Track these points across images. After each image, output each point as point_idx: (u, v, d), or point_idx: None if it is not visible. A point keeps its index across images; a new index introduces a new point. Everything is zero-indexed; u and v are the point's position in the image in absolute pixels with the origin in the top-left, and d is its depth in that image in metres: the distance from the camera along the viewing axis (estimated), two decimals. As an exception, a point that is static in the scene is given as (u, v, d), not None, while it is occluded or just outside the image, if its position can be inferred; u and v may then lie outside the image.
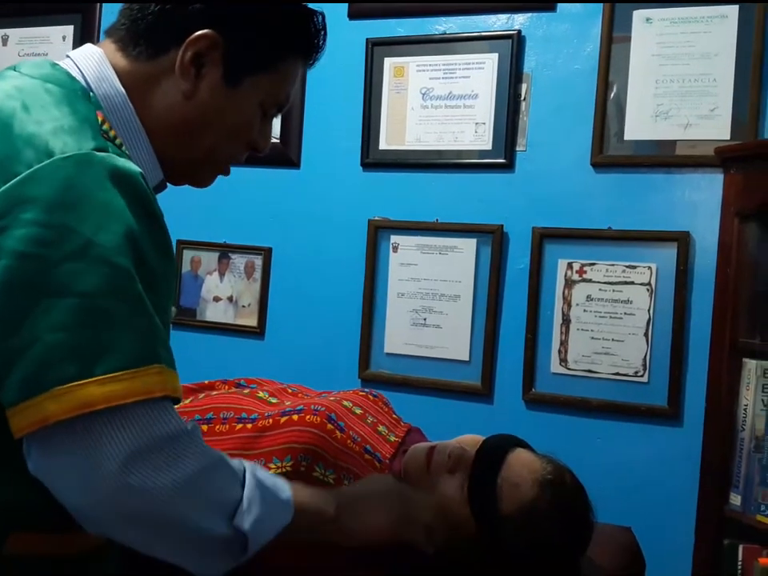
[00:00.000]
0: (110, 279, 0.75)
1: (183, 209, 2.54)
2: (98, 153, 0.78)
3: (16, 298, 0.74)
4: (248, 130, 0.96)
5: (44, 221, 0.74)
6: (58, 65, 0.90)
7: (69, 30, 2.77)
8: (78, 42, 2.74)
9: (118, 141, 0.86)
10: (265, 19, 0.92)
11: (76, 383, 0.73)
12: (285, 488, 0.90)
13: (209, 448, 0.84)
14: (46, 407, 0.73)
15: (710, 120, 2.05)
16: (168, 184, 1.01)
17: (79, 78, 0.88)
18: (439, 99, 2.33)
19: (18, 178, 0.75)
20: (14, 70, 0.88)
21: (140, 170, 0.82)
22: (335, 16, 2.04)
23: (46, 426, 0.73)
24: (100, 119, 0.84)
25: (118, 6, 0.95)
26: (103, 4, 2.72)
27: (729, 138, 2.02)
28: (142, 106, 0.90)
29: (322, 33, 0.99)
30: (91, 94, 0.88)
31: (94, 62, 0.90)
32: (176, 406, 1.21)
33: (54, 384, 0.73)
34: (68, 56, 0.92)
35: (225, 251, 2.58)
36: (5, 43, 2.87)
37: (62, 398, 0.73)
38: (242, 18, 0.91)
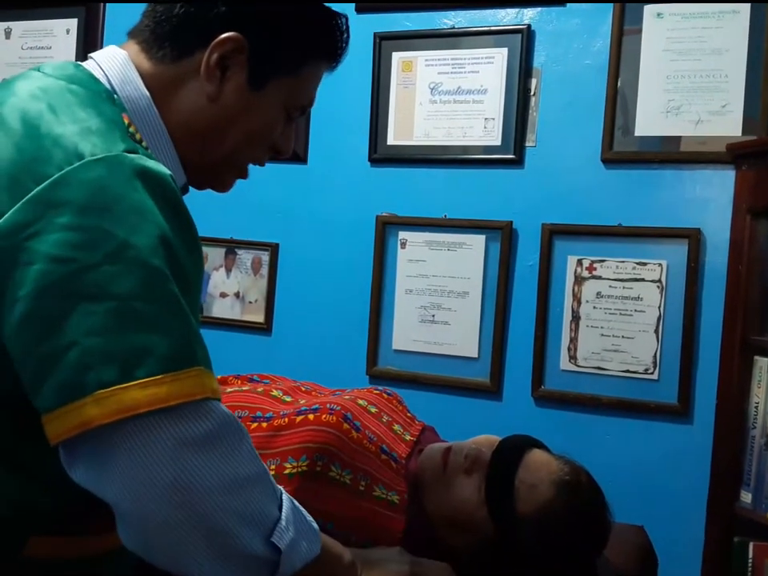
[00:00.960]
0: (147, 281, 0.74)
1: (189, 204, 2.52)
2: (128, 154, 0.78)
3: (51, 303, 0.73)
4: (271, 132, 0.96)
5: (78, 224, 0.73)
6: (81, 66, 0.89)
7: (73, 24, 2.75)
8: (82, 35, 2.73)
9: (143, 144, 0.85)
10: (290, 22, 0.91)
11: (118, 387, 0.72)
12: (313, 520, 0.89)
13: (256, 455, 0.82)
14: (87, 411, 0.71)
15: (722, 116, 2.04)
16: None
17: (103, 80, 0.88)
18: (448, 94, 2.31)
19: (50, 180, 0.74)
20: (38, 71, 0.87)
21: (169, 171, 0.81)
22: (342, 10, 2.03)
23: (87, 431, 0.72)
24: (126, 121, 0.84)
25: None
26: (108, -3, 2.70)
27: (740, 134, 2.01)
28: (165, 109, 0.90)
29: (346, 35, 0.99)
30: (115, 96, 0.87)
31: (118, 64, 0.89)
32: None
33: (95, 388, 0.72)
34: (91, 57, 0.91)
35: (231, 247, 2.57)
36: (8, 36, 2.85)
37: (104, 402, 0.71)
38: (267, 20, 0.90)
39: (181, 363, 0.75)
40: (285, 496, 0.85)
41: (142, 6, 0.95)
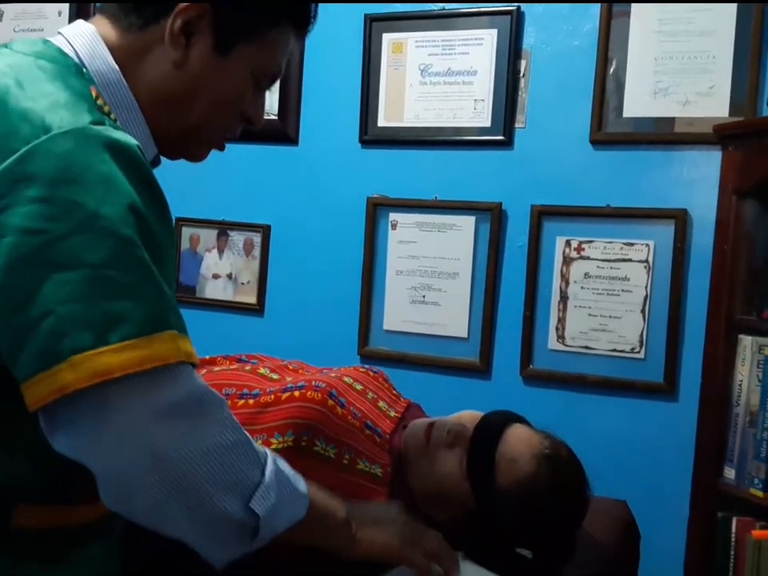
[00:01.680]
0: (118, 249, 0.76)
1: (182, 186, 2.53)
2: (95, 126, 0.79)
3: (24, 274, 0.74)
4: (239, 99, 0.96)
5: (47, 196, 0.75)
6: (50, 41, 0.90)
7: (65, 7, 2.75)
8: (74, 17, 2.72)
9: (112, 116, 0.86)
10: None
11: (92, 352, 0.74)
12: (302, 482, 0.90)
13: (236, 422, 0.84)
14: (63, 377, 0.73)
15: (709, 97, 2.05)
16: (163, 159, 1.01)
17: (72, 54, 0.89)
18: (438, 76, 2.32)
19: (17, 154, 0.75)
20: (6, 48, 0.88)
21: (137, 142, 0.82)
22: (334, -8, 2.04)
23: (65, 396, 0.74)
24: (94, 94, 0.84)
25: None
26: (99, -21, 2.69)
27: (727, 115, 2.02)
28: (133, 79, 0.91)
29: (313, 2, 0.98)
30: (84, 69, 0.88)
31: (87, 39, 0.90)
32: None
33: (70, 353, 0.73)
34: (60, 33, 0.92)
35: (223, 228, 2.59)
36: (0, 19, 2.85)
37: (79, 367, 0.73)
38: None
39: (154, 327, 0.77)
40: (270, 460, 0.86)
41: None
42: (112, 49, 0.90)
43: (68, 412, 0.75)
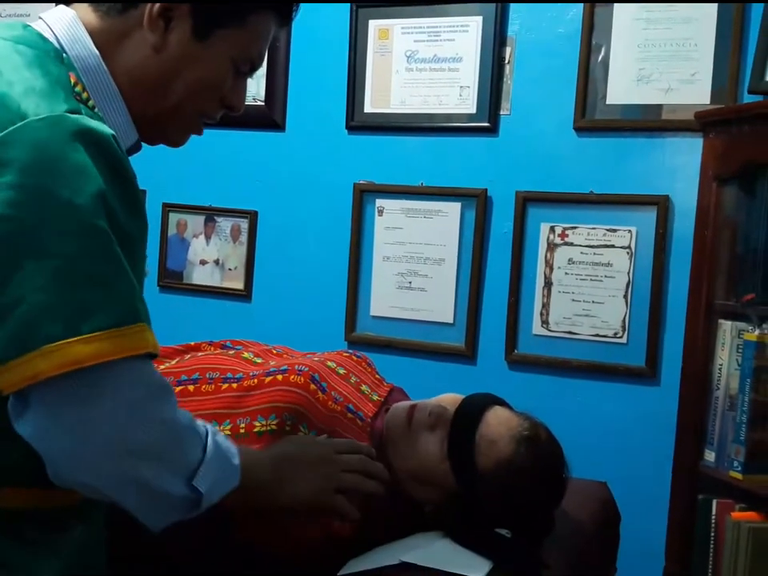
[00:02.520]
0: (90, 241, 0.78)
1: (169, 172, 2.55)
2: (70, 115, 0.79)
3: (1, 259, 0.76)
4: (219, 85, 0.96)
5: (20, 183, 0.76)
6: (30, 26, 0.90)
7: (50, 8, 2.73)
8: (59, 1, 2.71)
9: (90, 103, 0.86)
10: None
11: (64, 341, 0.76)
12: (235, 454, 0.95)
13: (181, 410, 0.88)
14: (36, 365, 0.75)
15: (691, 85, 2.07)
16: (145, 145, 1.01)
17: (52, 39, 0.89)
18: (424, 62, 2.33)
19: None
20: None
21: (112, 131, 0.83)
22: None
23: (36, 383, 0.76)
24: (72, 81, 0.85)
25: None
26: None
27: (709, 102, 2.04)
28: (113, 63, 0.91)
29: None
30: (64, 55, 0.88)
31: (67, 24, 0.90)
32: (162, 368, 1.25)
33: (42, 342, 0.75)
34: (40, 18, 0.92)
35: (210, 215, 2.60)
36: (-15, 4, 2.83)
37: (52, 356, 0.75)
38: None
39: (125, 320, 0.79)
40: (210, 438, 0.91)
41: None
42: (92, 33, 0.91)
43: (39, 397, 0.77)
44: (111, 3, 0.91)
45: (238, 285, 2.57)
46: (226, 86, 0.97)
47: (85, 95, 0.86)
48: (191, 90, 0.94)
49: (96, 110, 0.87)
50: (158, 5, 0.89)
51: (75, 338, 0.76)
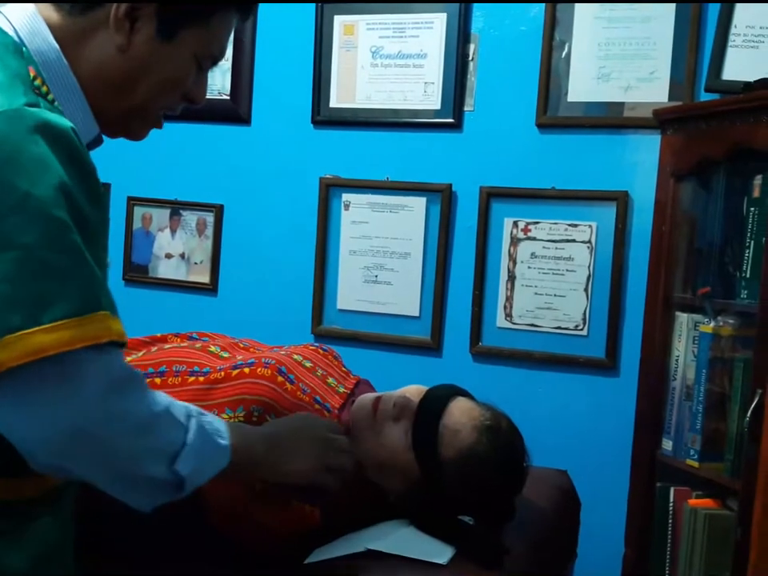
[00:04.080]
0: (50, 231, 0.78)
1: (134, 166, 2.54)
2: (29, 108, 0.80)
3: None
4: (183, 82, 0.97)
5: None
6: None
7: None
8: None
9: (50, 96, 0.86)
10: None
11: (24, 332, 0.76)
12: (225, 434, 0.95)
13: (157, 394, 0.89)
14: None
15: (650, 83, 2.12)
16: (110, 139, 1.01)
17: (11, 32, 0.88)
18: (389, 58, 2.35)
19: None
20: None
21: (71, 124, 0.83)
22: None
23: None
24: (32, 75, 0.85)
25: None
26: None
27: (667, 100, 2.09)
28: (75, 60, 0.91)
29: None
30: (24, 48, 0.88)
31: (26, 17, 0.90)
32: (129, 360, 1.25)
33: (3, 333, 0.76)
34: None
35: (176, 208, 2.59)
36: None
37: (12, 346, 0.76)
38: None
39: (85, 308, 0.79)
40: (194, 421, 0.91)
41: None
42: (53, 29, 0.90)
43: (2, 388, 0.78)
44: (74, 2, 0.90)
45: (204, 279, 2.57)
46: (190, 81, 0.97)
47: (44, 89, 0.86)
48: (156, 88, 0.95)
49: (56, 103, 0.87)
50: (123, 5, 0.89)
51: (36, 328, 0.76)
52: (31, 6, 0.91)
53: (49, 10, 0.91)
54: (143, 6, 0.90)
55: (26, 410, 0.79)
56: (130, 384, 0.86)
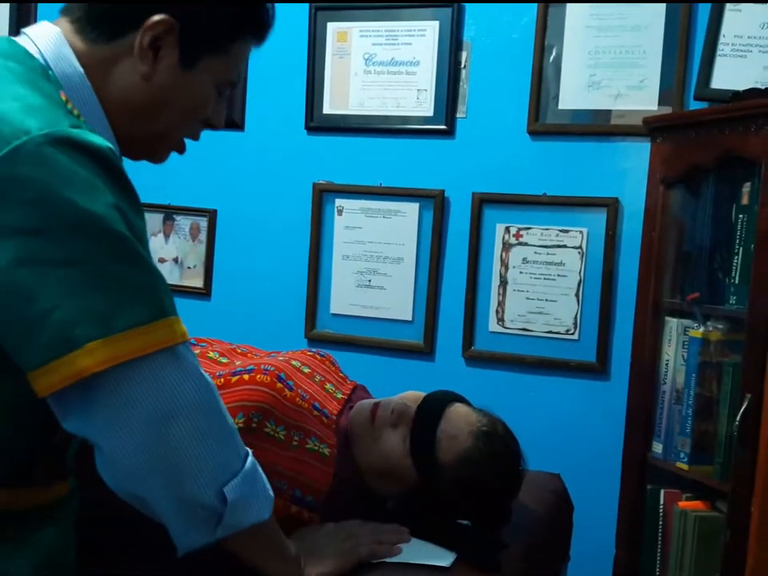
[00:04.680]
0: (113, 245, 0.81)
1: (128, 170, 2.53)
2: (73, 129, 0.82)
3: (29, 272, 0.78)
4: (204, 108, 0.99)
5: (38, 197, 0.78)
6: (15, 41, 0.91)
7: (4, 8, 2.70)
8: (15, 7, 2.68)
9: (81, 119, 0.88)
10: (219, 2, 0.95)
11: (104, 339, 0.79)
12: (271, 490, 0.96)
13: (227, 413, 0.91)
14: (80, 362, 0.79)
15: (640, 91, 2.15)
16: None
17: (37, 55, 0.90)
18: (382, 65, 2.37)
19: (0, 155, 0.78)
20: None
21: (110, 144, 0.85)
22: (279, -19, 2.05)
23: (81, 380, 0.79)
24: (64, 98, 0.87)
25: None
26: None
27: (656, 108, 2.12)
28: (99, 86, 0.92)
29: (272, 13, 1.02)
30: (50, 72, 0.89)
31: (52, 41, 0.91)
32: None
33: (85, 341, 0.79)
34: (24, 32, 0.93)
35: (169, 213, 2.60)
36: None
37: (95, 353, 0.79)
38: (197, 2, 0.93)
39: (156, 315, 0.83)
40: (251, 458, 0.93)
41: None
42: (77, 53, 0.92)
43: (83, 395, 0.81)
44: (99, 32, 0.92)
45: (198, 283, 2.58)
46: (210, 107, 1.00)
47: (76, 112, 0.88)
48: (179, 115, 0.97)
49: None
50: (147, 36, 0.91)
51: (114, 335, 0.80)
52: (56, 28, 0.93)
53: (73, 35, 0.93)
54: (166, 36, 0.92)
55: (106, 415, 0.82)
56: (208, 391, 0.88)
